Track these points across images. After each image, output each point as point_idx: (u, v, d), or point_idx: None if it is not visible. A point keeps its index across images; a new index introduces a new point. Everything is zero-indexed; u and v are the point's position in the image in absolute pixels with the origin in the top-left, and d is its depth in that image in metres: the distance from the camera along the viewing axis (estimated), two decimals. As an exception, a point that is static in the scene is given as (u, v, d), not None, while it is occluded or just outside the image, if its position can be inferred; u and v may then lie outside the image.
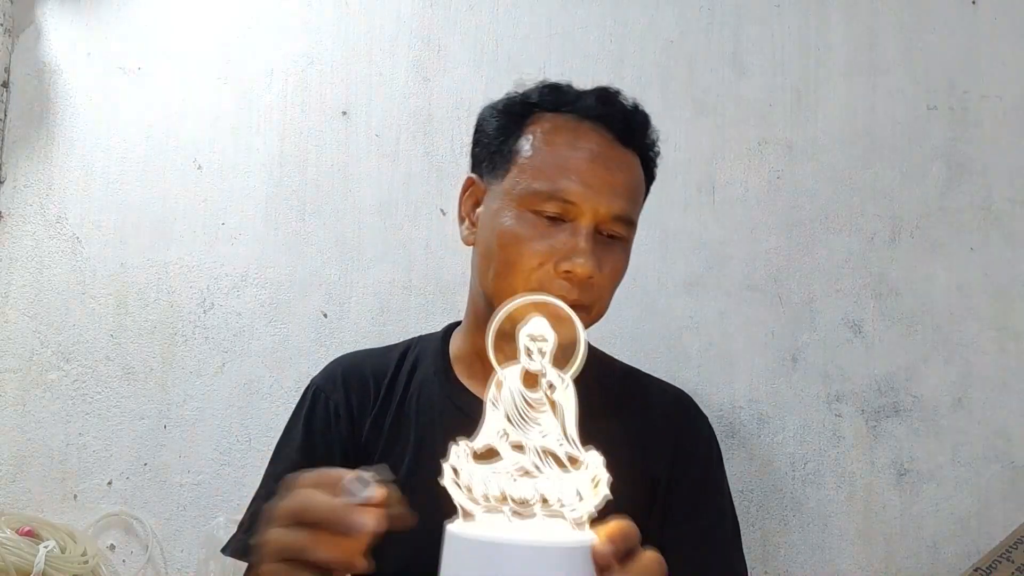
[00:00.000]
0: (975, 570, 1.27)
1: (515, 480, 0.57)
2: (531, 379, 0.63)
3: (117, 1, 1.67)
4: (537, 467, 0.59)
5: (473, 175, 0.97)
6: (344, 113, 1.61)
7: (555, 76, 1.02)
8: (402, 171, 1.59)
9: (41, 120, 1.64)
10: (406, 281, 1.55)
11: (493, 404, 0.62)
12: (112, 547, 1.54)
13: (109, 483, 1.55)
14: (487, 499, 0.57)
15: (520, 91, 0.96)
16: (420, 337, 1.06)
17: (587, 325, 0.92)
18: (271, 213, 1.60)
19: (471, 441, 0.60)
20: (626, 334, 1.48)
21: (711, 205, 1.52)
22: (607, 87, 0.95)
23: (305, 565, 0.57)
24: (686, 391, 1.07)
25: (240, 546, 0.93)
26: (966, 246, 1.45)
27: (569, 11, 1.58)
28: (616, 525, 0.56)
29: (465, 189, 0.97)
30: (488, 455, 0.60)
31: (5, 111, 1.65)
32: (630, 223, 0.91)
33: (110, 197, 1.62)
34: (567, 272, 0.85)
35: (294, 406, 1.03)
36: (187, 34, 1.65)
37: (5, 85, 1.66)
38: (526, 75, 1.04)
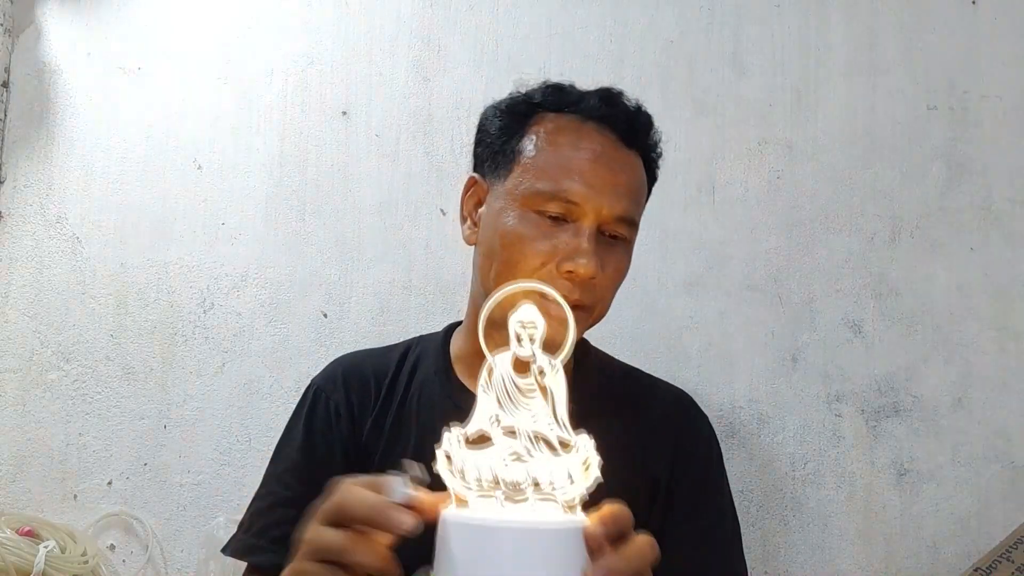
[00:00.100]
0: (975, 570, 1.27)
1: (507, 464, 0.58)
2: (522, 365, 0.63)
3: (117, 1, 1.67)
4: (528, 451, 0.59)
5: (475, 175, 0.97)
6: (344, 113, 1.61)
7: (555, 76, 1.02)
8: (402, 171, 1.59)
9: (41, 120, 1.64)
10: (406, 281, 1.55)
11: (484, 390, 0.63)
12: (112, 547, 1.54)
13: (109, 483, 1.55)
14: (480, 484, 0.57)
15: (523, 91, 0.96)
16: (420, 337, 1.06)
17: (589, 325, 0.92)
18: (271, 213, 1.60)
19: (463, 427, 0.60)
20: (626, 334, 1.48)
21: (711, 205, 1.52)
22: (610, 88, 0.95)
23: (341, 567, 0.57)
24: (686, 391, 1.07)
25: (240, 546, 0.93)
26: (966, 246, 1.45)
27: (569, 11, 1.58)
28: (608, 508, 0.57)
29: (467, 189, 0.97)
30: (480, 441, 0.61)
31: (5, 111, 1.65)
32: (632, 224, 0.91)
33: (110, 197, 1.62)
34: (569, 272, 0.85)
35: (294, 406, 1.03)
36: (187, 34, 1.65)
37: (5, 85, 1.65)
38: (526, 75, 1.04)
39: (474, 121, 1.01)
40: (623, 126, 0.91)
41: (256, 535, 0.92)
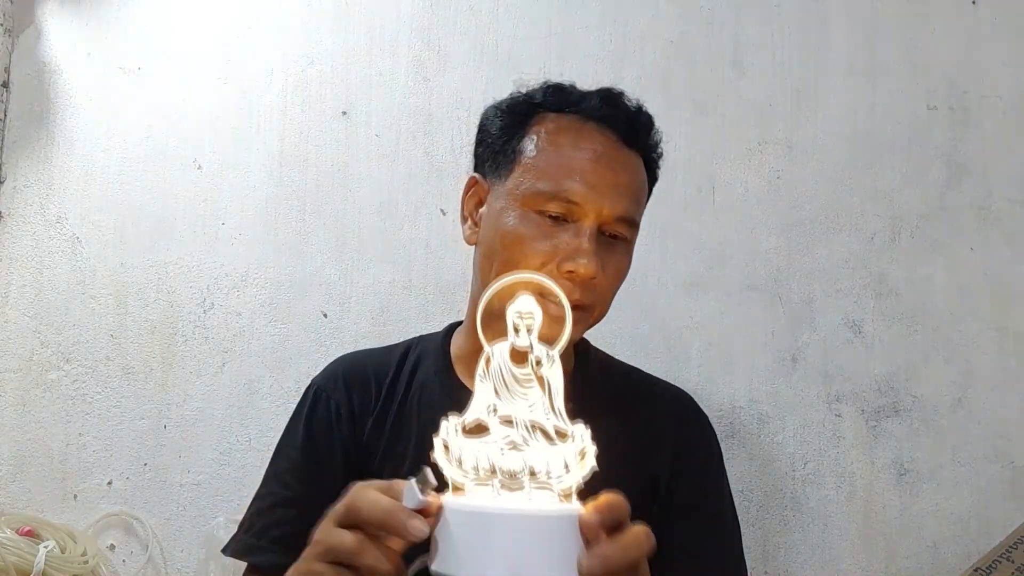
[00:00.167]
0: (975, 570, 1.27)
1: (504, 453, 0.58)
2: (519, 355, 0.64)
3: (117, 1, 1.67)
4: (525, 440, 0.60)
5: (476, 175, 0.97)
6: (344, 113, 1.61)
7: (555, 76, 1.02)
8: (402, 171, 1.59)
9: (41, 120, 1.64)
10: (406, 281, 1.55)
11: (481, 379, 0.63)
12: (112, 547, 1.54)
13: (109, 483, 1.55)
14: (477, 472, 0.58)
15: (524, 91, 0.96)
16: (421, 337, 1.06)
17: (589, 325, 0.92)
18: (271, 213, 1.60)
19: (460, 416, 0.61)
20: (626, 334, 1.48)
21: (711, 205, 1.52)
22: (611, 88, 0.95)
23: (351, 570, 0.57)
24: (686, 391, 1.07)
25: (241, 546, 0.93)
26: (966, 246, 1.45)
27: (569, 11, 1.58)
28: (605, 497, 0.57)
29: (468, 188, 0.97)
30: (478, 430, 0.61)
31: (5, 111, 1.65)
32: (633, 224, 0.91)
33: (110, 197, 1.62)
34: (570, 272, 0.85)
35: (294, 406, 1.03)
36: (187, 34, 1.65)
37: (5, 85, 1.65)
38: (526, 75, 1.04)
39: (474, 121, 1.01)
40: (624, 126, 0.91)
41: (256, 535, 0.92)
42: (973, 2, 1.50)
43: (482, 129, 0.97)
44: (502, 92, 0.99)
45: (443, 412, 0.98)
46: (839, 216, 1.48)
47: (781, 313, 1.47)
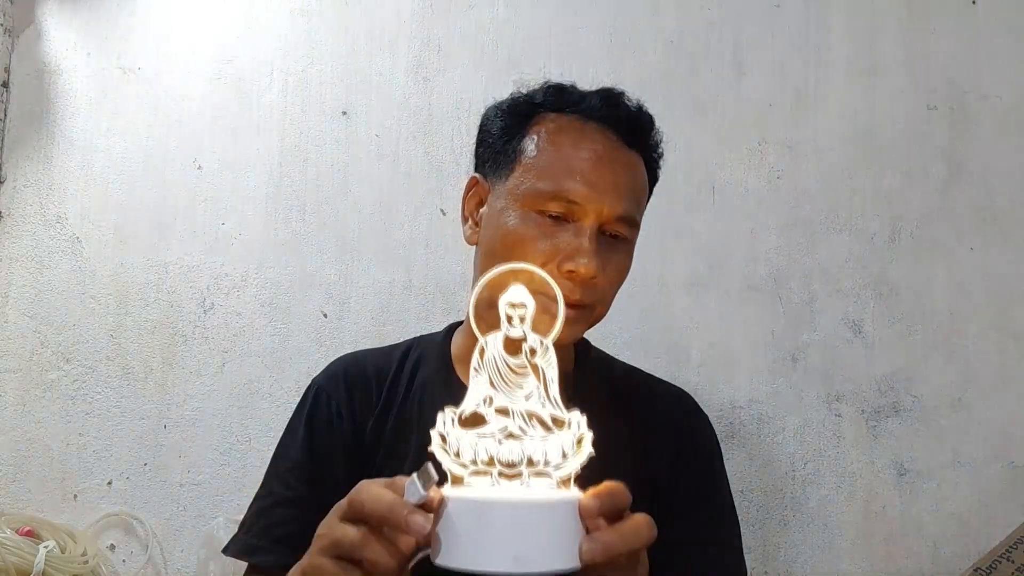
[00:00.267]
0: (975, 570, 1.27)
1: (501, 443, 0.58)
2: (514, 346, 0.64)
3: (117, 1, 1.67)
4: (522, 429, 0.60)
5: (477, 175, 0.97)
6: (344, 113, 1.61)
7: (555, 76, 1.02)
8: (402, 171, 1.59)
9: (41, 120, 1.64)
10: (406, 281, 1.55)
11: (476, 370, 0.64)
12: (112, 547, 1.54)
13: (109, 483, 1.55)
14: (475, 462, 0.58)
15: (524, 91, 0.96)
16: (421, 337, 1.06)
17: (589, 325, 0.92)
18: (271, 213, 1.60)
19: (457, 408, 0.62)
20: (626, 334, 1.48)
21: (711, 205, 1.52)
22: (611, 88, 0.95)
23: (354, 565, 0.57)
24: (686, 391, 1.07)
25: (241, 546, 0.93)
26: (966, 246, 1.45)
27: (569, 11, 1.58)
28: (604, 484, 0.57)
29: (469, 189, 0.97)
30: (474, 421, 0.62)
31: (5, 111, 1.65)
32: (633, 224, 0.91)
33: (110, 197, 1.62)
34: (570, 272, 0.85)
35: (294, 406, 1.03)
36: (187, 34, 1.65)
37: (5, 85, 1.65)
38: (526, 75, 1.04)
39: (474, 121, 1.01)
40: (624, 126, 0.91)
41: (257, 535, 0.92)
42: (973, 2, 1.50)
43: (483, 129, 0.97)
44: (502, 92, 0.99)
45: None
46: (839, 216, 1.48)
47: (781, 313, 1.48)
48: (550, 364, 0.63)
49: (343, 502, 0.60)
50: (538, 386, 0.63)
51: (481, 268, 0.93)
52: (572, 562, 0.55)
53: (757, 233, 1.50)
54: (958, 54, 1.50)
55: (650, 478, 0.95)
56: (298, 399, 1.03)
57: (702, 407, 1.05)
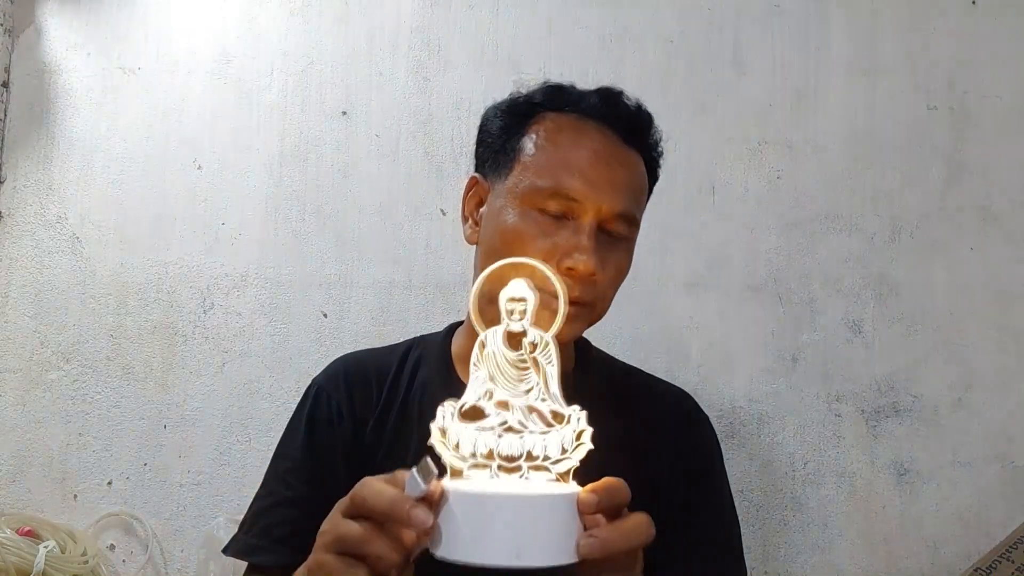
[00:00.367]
0: (975, 570, 1.27)
1: (500, 437, 0.59)
2: (514, 340, 0.65)
3: (117, 1, 1.67)
4: (522, 424, 0.60)
5: (476, 174, 0.97)
6: (344, 113, 1.61)
7: (555, 76, 1.02)
8: (402, 171, 1.59)
9: (41, 120, 1.64)
10: (406, 281, 1.55)
11: (476, 365, 0.64)
12: (112, 547, 1.54)
13: (109, 483, 1.55)
14: (474, 456, 0.59)
15: (524, 91, 0.96)
16: (421, 337, 1.06)
17: (590, 323, 0.92)
18: (271, 213, 1.60)
19: (457, 402, 0.62)
20: (626, 334, 1.48)
21: (711, 205, 1.52)
22: (610, 87, 0.95)
23: (358, 560, 0.58)
24: (686, 391, 1.07)
25: (242, 546, 0.93)
26: (966, 246, 1.45)
27: (569, 11, 1.58)
28: (603, 480, 0.58)
29: (468, 188, 0.97)
30: (474, 415, 0.62)
31: (5, 111, 1.65)
32: (633, 222, 0.91)
33: (110, 197, 1.62)
34: (570, 269, 0.85)
35: (294, 406, 1.03)
36: (187, 34, 1.65)
37: (5, 85, 1.65)
38: (526, 75, 1.04)
39: (474, 121, 1.01)
40: (623, 125, 0.91)
41: (258, 535, 0.92)
42: (973, 2, 1.50)
43: (482, 129, 0.97)
44: (502, 92, 0.99)
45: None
46: (839, 216, 1.49)
47: (781, 313, 1.48)
48: (551, 359, 0.64)
49: (345, 499, 0.60)
50: (538, 381, 0.63)
51: (481, 267, 0.93)
52: (570, 556, 0.56)
53: (757, 233, 1.50)
54: (958, 54, 1.50)
55: (650, 478, 0.95)
56: (298, 399, 1.03)
57: (702, 407, 1.05)
